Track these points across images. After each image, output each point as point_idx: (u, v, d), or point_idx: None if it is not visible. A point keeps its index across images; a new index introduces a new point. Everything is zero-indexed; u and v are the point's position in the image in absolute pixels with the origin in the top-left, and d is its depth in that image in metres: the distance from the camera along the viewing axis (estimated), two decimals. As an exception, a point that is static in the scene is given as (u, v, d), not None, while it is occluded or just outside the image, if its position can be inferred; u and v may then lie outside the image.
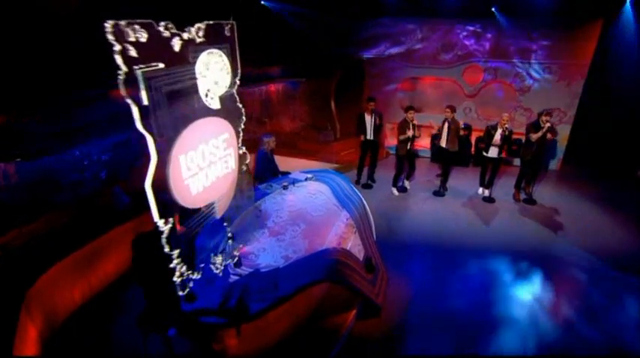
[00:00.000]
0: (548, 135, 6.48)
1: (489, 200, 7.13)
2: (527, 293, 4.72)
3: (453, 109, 7.14)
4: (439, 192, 7.40)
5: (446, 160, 7.42)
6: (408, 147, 7.02)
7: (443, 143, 7.20)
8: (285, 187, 5.51)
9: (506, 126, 6.54)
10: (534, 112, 8.51)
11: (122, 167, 4.90)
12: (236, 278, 3.65)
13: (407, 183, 7.67)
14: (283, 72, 8.81)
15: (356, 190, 5.53)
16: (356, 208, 5.08)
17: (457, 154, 7.69)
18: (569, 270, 5.25)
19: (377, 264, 4.81)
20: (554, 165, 8.85)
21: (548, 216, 6.64)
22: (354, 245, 4.54)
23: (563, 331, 4.18)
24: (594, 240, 5.92)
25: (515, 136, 8.52)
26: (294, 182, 5.68)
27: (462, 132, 7.20)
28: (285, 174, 6.17)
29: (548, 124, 6.35)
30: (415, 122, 6.88)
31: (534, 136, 6.53)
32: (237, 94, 3.67)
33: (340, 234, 4.48)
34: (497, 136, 6.59)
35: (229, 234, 4.29)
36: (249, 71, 8.09)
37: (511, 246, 5.70)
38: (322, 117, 8.89)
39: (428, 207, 6.93)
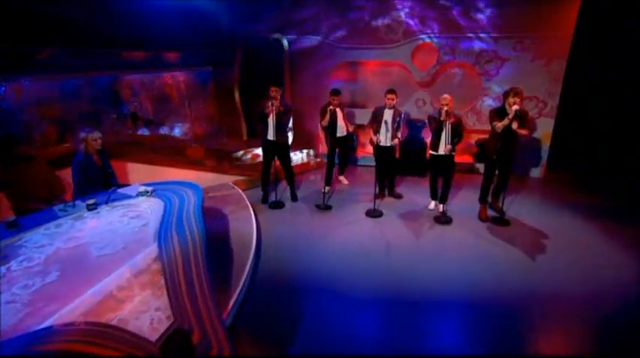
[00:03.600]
0: (521, 131, 4.71)
1: (444, 220, 5.26)
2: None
3: (393, 95, 5.48)
4: (374, 212, 5.52)
5: (391, 163, 5.82)
6: (339, 134, 5.77)
7: (382, 140, 5.54)
8: (91, 207, 3.60)
9: (446, 109, 4.81)
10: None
11: None
12: None
13: (327, 189, 5.88)
14: (184, 59, 7.01)
15: (201, 215, 3.59)
16: (181, 243, 3.13)
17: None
18: (558, 323, 3.35)
19: (205, 340, 2.82)
20: (536, 171, 7.06)
21: (527, 240, 4.80)
22: (149, 308, 2.57)
23: None
24: (589, 273, 4.07)
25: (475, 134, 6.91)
26: (109, 200, 3.79)
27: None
28: (122, 186, 4.29)
29: (515, 107, 4.57)
30: (331, 108, 5.45)
31: (499, 125, 4.79)
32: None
33: (111, 290, 2.52)
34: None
35: None
36: (133, 55, 6.29)
37: (476, 290, 3.81)
38: (231, 116, 7.07)
39: (356, 231, 5.06)
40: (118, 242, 3.06)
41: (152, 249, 2.98)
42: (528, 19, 6.37)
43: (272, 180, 5.90)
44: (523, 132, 4.77)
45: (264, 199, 5.90)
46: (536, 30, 6.39)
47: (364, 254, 4.49)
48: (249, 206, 5.38)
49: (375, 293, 3.76)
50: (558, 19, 6.26)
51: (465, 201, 5.95)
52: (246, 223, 4.87)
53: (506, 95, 4.73)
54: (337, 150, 6.06)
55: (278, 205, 5.80)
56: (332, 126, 5.60)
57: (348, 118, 6.09)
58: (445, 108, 4.83)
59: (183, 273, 3.02)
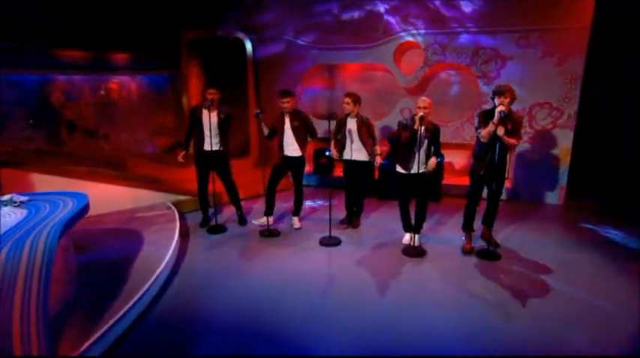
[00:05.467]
0: (509, 140, 4.09)
1: (416, 252, 4.52)
2: None
3: (355, 99, 4.90)
4: (330, 240, 4.87)
5: (360, 182, 5.24)
6: (288, 153, 4.96)
7: (348, 154, 5.00)
8: None
9: (421, 114, 4.16)
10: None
11: None
12: None
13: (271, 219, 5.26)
14: (135, 61, 6.83)
15: (57, 232, 3.09)
16: (8, 263, 2.64)
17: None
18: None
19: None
20: (553, 197, 6.20)
21: (521, 281, 3.96)
22: None
23: None
24: (596, 327, 3.19)
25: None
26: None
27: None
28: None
29: (500, 108, 3.97)
30: (287, 110, 4.76)
31: (483, 133, 4.17)
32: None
33: None
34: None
35: None
36: (69, 53, 6.14)
37: (434, 343, 3.04)
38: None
39: (301, 263, 4.40)
40: None
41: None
42: (535, 8, 5.76)
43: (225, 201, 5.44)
44: (511, 141, 4.13)
45: (204, 221, 5.38)
46: (544, 21, 5.75)
47: (301, 290, 3.82)
48: (177, 229, 4.91)
49: (305, 342, 3.06)
50: (573, 6, 5.62)
51: (451, 230, 5.22)
52: (161, 248, 4.38)
53: (493, 95, 4.14)
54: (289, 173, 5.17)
55: (218, 229, 5.26)
56: (279, 141, 4.93)
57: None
58: (421, 113, 4.18)
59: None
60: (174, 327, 3.30)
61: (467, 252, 4.55)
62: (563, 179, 6.12)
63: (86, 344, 2.78)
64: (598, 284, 3.91)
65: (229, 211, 5.76)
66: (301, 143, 4.95)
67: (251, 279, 4.06)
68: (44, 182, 5.15)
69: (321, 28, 6.74)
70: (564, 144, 6.00)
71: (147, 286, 3.63)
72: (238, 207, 5.51)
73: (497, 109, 3.98)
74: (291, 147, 4.93)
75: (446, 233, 5.16)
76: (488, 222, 4.61)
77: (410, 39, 6.38)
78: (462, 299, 3.66)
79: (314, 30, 6.77)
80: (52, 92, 6.13)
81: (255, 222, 5.33)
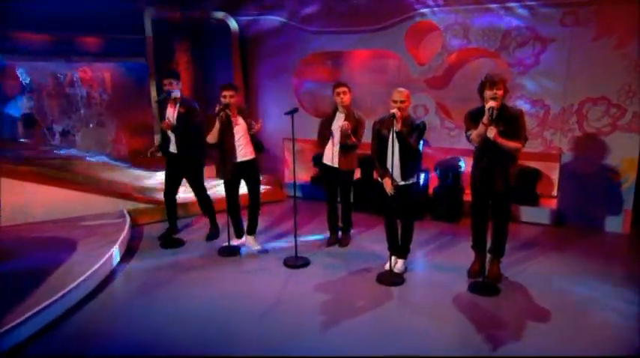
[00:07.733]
0: (506, 143, 3.70)
1: (391, 280, 4.15)
2: None
3: (350, 89, 4.74)
4: (295, 260, 4.60)
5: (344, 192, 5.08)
6: (240, 158, 4.68)
7: (328, 157, 4.89)
8: None
9: (394, 112, 3.83)
10: (552, 107, 5.56)
11: None
12: None
13: (235, 241, 5.08)
14: (109, 47, 7.01)
15: None
16: None
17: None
18: None
19: None
20: (615, 223, 5.42)
21: (509, 326, 3.42)
22: None
23: None
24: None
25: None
26: None
27: None
28: None
29: (491, 104, 3.61)
30: (226, 102, 4.44)
31: (474, 135, 3.86)
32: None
33: None
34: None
35: None
36: (25, 36, 6.41)
37: None
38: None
39: (252, 286, 4.25)
40: None
41: None
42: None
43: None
44: (509, 144, 3.70)
45: (169, 233, 5.24)
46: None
47: (238, 315, 3.69)
48: (120, 240, 4.87)
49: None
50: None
51: (454, 257, 4.74)
52: (90, 260, 4.34)
53: (481, 88, 3.78)
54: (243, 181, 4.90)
55: (173, 243, 5.15)
56: (227, 145, 4.61)
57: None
58: (394, 110, 3.85)
59: None
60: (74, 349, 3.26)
61: (471, 275, 4.23)
62: (628, 199, 5.33)
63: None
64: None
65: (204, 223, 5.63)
66: (255, 144, 4.78)
67: (185, 302, 3.95)
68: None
69: (320, 6, 6.58)
70: (628, 152, 5.25)
71: (46, 303, 3.55)
72: (212, 219, 5.36)
73: (487, 106, 3.63)
74: (244, 151, 4.67)
75: (446, 260, 4.75)
76: (493, 248, 4.15)
77: (424, 19, 5.97)
78: (420, 338, 3.31)
79: (312, 8, 6.63)
80: (5, 80, 6.40)
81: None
